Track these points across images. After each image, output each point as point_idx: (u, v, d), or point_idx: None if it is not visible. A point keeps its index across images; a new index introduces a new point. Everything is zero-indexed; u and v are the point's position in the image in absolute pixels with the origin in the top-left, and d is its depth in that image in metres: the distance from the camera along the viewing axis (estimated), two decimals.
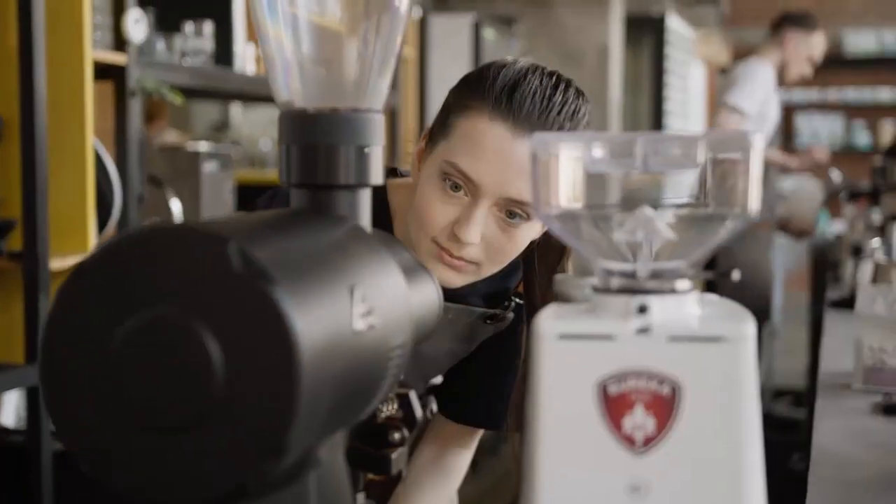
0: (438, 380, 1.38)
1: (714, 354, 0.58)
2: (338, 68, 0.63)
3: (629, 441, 0.59)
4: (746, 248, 3.97)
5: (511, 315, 1.29)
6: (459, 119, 1.12)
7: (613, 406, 0.59)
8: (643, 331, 0.59)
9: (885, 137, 7.81)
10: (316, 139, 0.62)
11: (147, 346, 0.50)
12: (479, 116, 1.10)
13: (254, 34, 0.66)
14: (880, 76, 8.12)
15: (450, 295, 1.23)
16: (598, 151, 0.62)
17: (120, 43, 2.55)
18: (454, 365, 1.33)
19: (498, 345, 1.31)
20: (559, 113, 1.11)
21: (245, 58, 3.16)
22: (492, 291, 1.27)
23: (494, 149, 1.09)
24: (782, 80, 4.37)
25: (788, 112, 7.71)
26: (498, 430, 1.37)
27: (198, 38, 2.94)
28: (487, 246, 1.12)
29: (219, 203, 3.00)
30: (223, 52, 3.06)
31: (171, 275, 0.50)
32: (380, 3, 0.64)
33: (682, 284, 0.61)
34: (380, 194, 0.92)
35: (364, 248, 0.61)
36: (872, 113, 8.24)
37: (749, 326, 0.59)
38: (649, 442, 0.58)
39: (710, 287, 3.62)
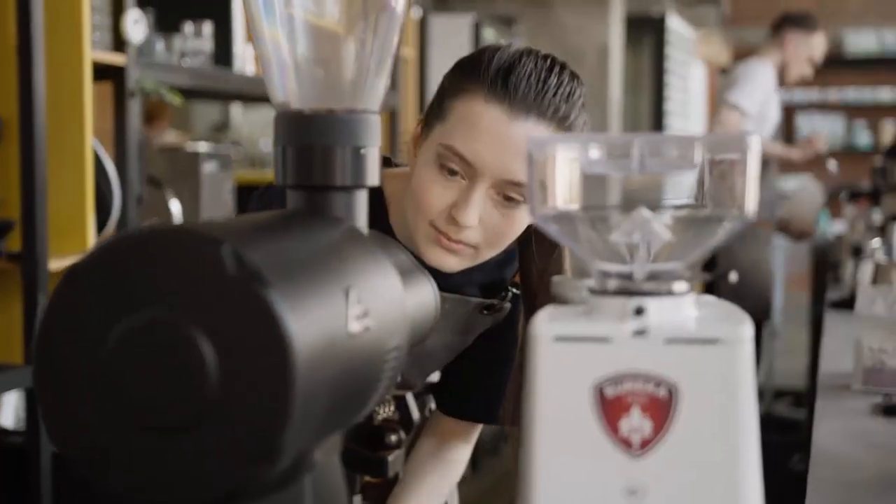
0: (436, 377, 1.38)
1: (711, 357, 0.58)
2: (334, 69, 0.63)
3: (626, 444, 0.58)
4: (747, 249, 3.97)
5: (508, 305, 1.28)
6: (455, 102, 1.12)
7: (610, 408, 0.58)
8: (640, 333, 0.58)
9: (886, 137, 7.81)
10: (312, 140, 0.62)
11: (141, 347, 0.49)
12: (475, 99, 1.10)
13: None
14: (881, 76, 8.11)
15: (446, 285, 1.23)
16: (594, 153, 0.62)
17: (119, 43, 2.55)
18: (452, 361, 1.33)
19: (495, 338, 1.31)
20: (555, 95, 1.11)
21: (244, 58, 3.16)
22: (488, 281, 1.27)
23: (491, 131, 1.09)
24: (783, 81, 4.37)
25: (789, 112, 7.71)
26: (498, 424, 1.36)
27: (197, 38, 2.94)
28: (485, 229, 1.12)
29: (218, 204, 3.00)
30: (222, 52, 3.06)
31: (165, 277, 0.50)
32: (376, 3, 0.64)
33: (679, 286, 0.60)
34: None
35: (360, 249, 0.61)
36: (873, 113, 8.24)
37: (746, 328, 0.59)
38: (646, 445, 0.58)
39: (709, 288, 3.62)
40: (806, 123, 8.24)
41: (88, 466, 0.51)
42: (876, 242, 2.53)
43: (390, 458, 0.69)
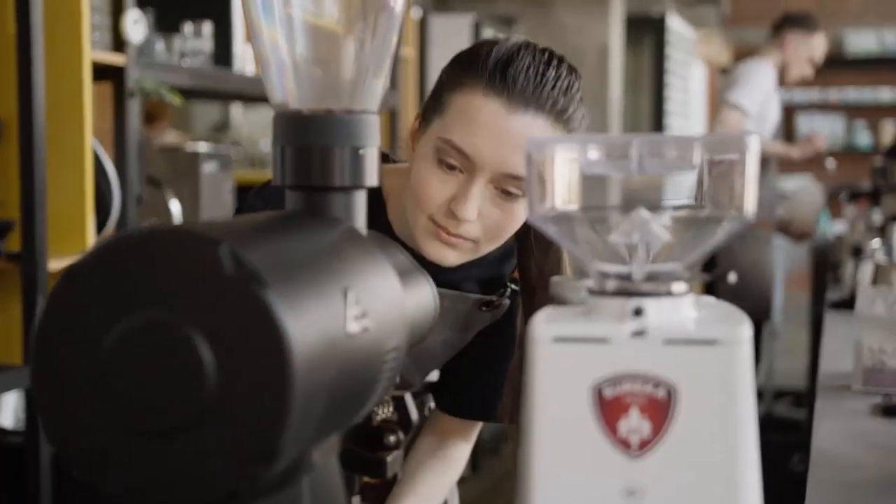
0: (435, 376, 1.38)
1: (710, 357, 0.58)
2: (332, 69, 0.63)
3: (624, 445, 0.58)
4: (747, 249, 3.97)
5: (507, 302, 1.28)
6: (453, 96, 1.12)
7: (609, 409, 0.58)
8: (638, 334, 0.58)
9: (886, 138, 7.81)
10: (310, 140, 0.62)
11: (139, 348, 0.49)
12: (473, 93, 1.10)
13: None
14: (881, 76, 8.11)
15: (445, 282, 1.23)
16: (593, 153, 0.62)
17: (119, 43, 2.55)
18: (451, 360, 1.33)
19: (493, 336, 1.31)
20: (553, 88, 1.11)
21: (244, 58, 3.16)
22: (487, 277, 1.27)
23: (489, 124, 1.09)
24: (783, 81, 4.37)
25: (789, 112, 7.71)
26: (496, 421, 1.36)
27: (197, 38, 2.94)
28: (484, 223, 1.12)
29: (218, 204, 2.99)
30: (222, 52, 3.05)
31: (163, 277, 0.50)
32: (375, 3, 0.63)
33: (678, 287, 0.60)
34: None
35: (358, 250, 0.61)
36: (873, 113, 8.24)
37: (745, 329, 0.59)
38: (645, 445, 0.58)
39: (709, 288, 3.62)
40: (806, 123, 8.24)
41: (86, 468, 0.51)
42: (876, 243, 2.52)
43: (389, 458, 0.69)
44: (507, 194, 1.11)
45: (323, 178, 0.62)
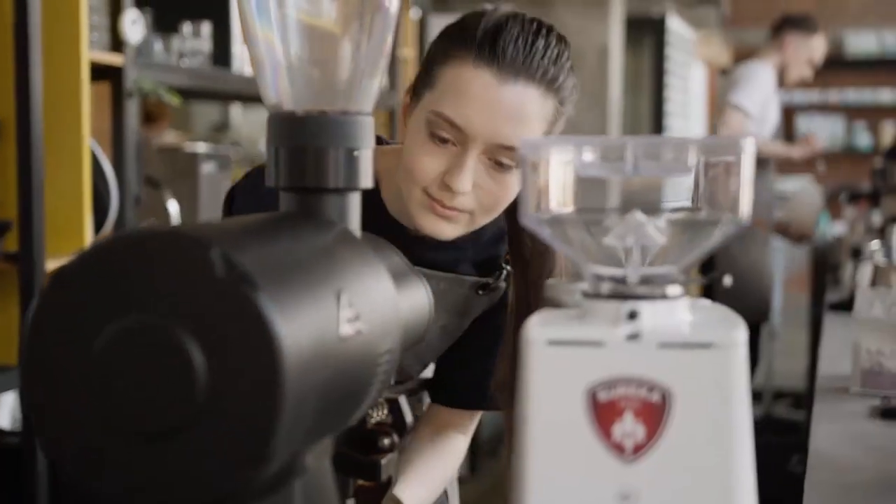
0: (430, 372, 1.37)
1: (705, 361, 0.58)
2: (327, 70, 0.63)
3: (619, 449, 0.58)
4: (746, 250, 3.97)
5: (503, 285, 1.28)
6: (443, 69, 1.12)
7: (603, 413, 0.58)
8: (633, 337, 0.58)
9: (886, 139, 7.81)
10: (305, 142, 0.61)
11: (129, 350, 0.49)
12: (463, 64, 1.11)
13: None
14: (881, 77, 8.11)
15: (441, 264, 1.23)
16: (588, 155, 0.61)
17: (117, 44, 2.54)
18: (446, 352, 1.32)
19: (487, 322, 1.30)
20: (543, 57, 1.11)
21: (243, 59, 3.15)
22: (482, 259, 1.27)
23: (481, 95, 1.09)
24: (782, 83, 4.37)
25: (789, 113, 7.70)
26: (490, 409, 1.36)
27: (195, 38, 2.93)
28: (479, 194, 1.12)
29: (217, 204, 2.98)
30: (221, 52, 3.05)
31: (154, 279, 0.49)
32: (370, 4, 0.63)
33: (673, 290, 0.60)
34: None
35: (352, 252, 0.61)
36: (873, 114, 8.24)
37: (740, 332, 0.58)
38: (639, 450, 0.58)
39: (707, 290, 3.61)
40: (806, 125, 8.24)
41: (76, 469, 0.50)
42: (875, 244, 2.52)
43: (383, 461, 0.69)
44: (500, 165, 1.12)
45: (317, 179, 0.62)
